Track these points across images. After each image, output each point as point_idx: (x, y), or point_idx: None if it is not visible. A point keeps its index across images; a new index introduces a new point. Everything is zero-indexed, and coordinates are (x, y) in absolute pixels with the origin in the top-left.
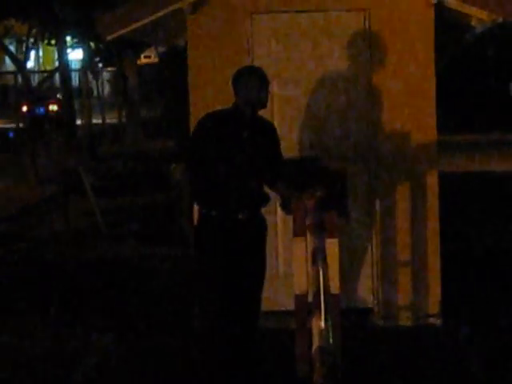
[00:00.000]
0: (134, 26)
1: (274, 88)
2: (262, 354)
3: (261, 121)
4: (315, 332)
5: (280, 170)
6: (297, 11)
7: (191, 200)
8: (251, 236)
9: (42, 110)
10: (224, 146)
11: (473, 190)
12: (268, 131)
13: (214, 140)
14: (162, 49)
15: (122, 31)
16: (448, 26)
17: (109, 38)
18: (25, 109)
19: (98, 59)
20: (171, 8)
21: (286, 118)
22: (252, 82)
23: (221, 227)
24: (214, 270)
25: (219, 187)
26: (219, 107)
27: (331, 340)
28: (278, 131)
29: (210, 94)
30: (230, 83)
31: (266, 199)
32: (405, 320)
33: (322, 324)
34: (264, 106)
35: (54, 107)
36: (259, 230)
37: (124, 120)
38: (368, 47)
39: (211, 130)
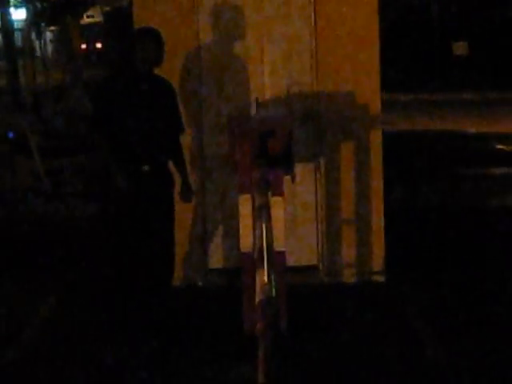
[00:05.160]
0: None
1: (218, 50)
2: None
3: (160, 78)
4: (258, 286)
5: (178, 135)
6: None
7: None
8: (157, 188)
9: None
10: (124, 100)
11: (415, 148)
12: (167, 89)
13: (114, 97)
14: (106, 8)
15: None
16: None
17: None
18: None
19: (41, 19)
20: None
21: (233, 78)
22: (148, 42)
23: (129, 179)
24: (123, 221)
25: (124, 141)
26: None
27: (274, 293)
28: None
29: None
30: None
31: (172, 153)
32: (349, 277)
33: (265, 279)
34: (159, 64)
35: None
36: (165, 182)
37: (67, 80)
38: (312, 6)
39: (110, 89)
